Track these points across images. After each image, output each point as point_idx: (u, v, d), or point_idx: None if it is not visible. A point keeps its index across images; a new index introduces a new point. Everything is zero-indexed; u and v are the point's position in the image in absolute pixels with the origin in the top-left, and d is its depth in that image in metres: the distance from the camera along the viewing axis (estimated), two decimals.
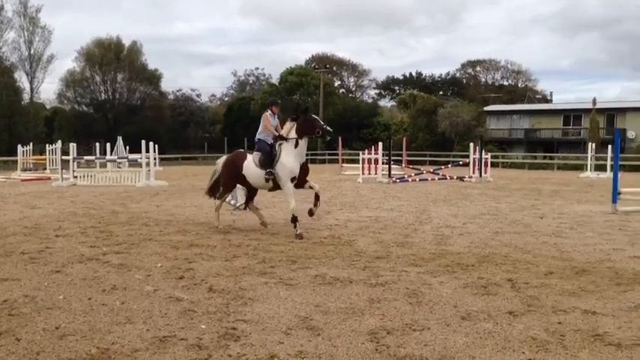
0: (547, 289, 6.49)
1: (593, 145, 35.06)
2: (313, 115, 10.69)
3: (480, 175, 27.30)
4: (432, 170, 28.12)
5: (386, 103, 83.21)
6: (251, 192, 11.54)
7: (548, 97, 76.56)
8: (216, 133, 69.76)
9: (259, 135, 10.90)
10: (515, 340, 4.83)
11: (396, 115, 67.79)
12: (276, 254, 8.53)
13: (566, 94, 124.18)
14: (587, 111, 51.37)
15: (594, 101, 49.85)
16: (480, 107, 60.25)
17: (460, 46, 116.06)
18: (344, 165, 36.51)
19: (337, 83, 79.95)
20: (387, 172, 26.37)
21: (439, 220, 12.67)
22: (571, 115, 55.21)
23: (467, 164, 29.50)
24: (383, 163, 27.27)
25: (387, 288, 6.46)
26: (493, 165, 37.81)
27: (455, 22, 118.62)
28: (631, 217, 13.19)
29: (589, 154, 34.16)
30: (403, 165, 32.61)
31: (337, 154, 41.55)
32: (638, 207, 14.34)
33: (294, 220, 10.29)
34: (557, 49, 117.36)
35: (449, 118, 54.75)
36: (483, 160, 27.71)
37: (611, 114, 52.74)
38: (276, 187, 10.68)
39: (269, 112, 10.97)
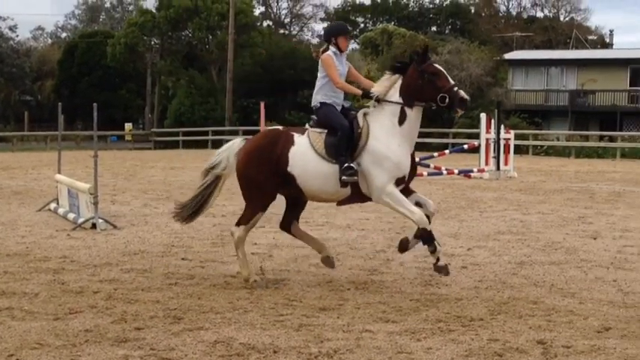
0: (602, 355, 5.09)
1: None
2: (437, 65, 6.95)
3: (498, 168, 21.09)
4: (417, 160, 21.46)
5: None
6: (294, 203, 7.21)
7: (607, 39, 57.71)
8: (45, 94, 50.86)
9: (320, 94, 6.89)
10: None
11: (358, 65, 48.02)
12: (146, 306, 6.20)
13: (633, 35, 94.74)
14: None
15: None
16: (497, 54, 43.00)
17: None
18: None
19: (260, 11, 57.50)
20: None
21: None
22: None
23: (475, 149, 22.48)
24: None
25: None
26: (519, 150, 29.49)
27: None
28: None
29: None
30: None
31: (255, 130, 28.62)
32: None
33: (429, 238, 6.55)
34: None
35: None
36: (503, 143, 21.12)
37: None
38: (357, 195, 6.75)
39: (332, 49, 6.91)
